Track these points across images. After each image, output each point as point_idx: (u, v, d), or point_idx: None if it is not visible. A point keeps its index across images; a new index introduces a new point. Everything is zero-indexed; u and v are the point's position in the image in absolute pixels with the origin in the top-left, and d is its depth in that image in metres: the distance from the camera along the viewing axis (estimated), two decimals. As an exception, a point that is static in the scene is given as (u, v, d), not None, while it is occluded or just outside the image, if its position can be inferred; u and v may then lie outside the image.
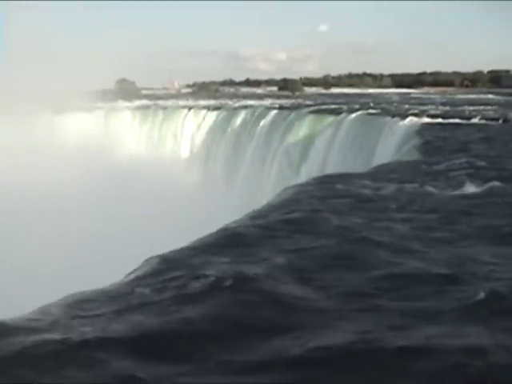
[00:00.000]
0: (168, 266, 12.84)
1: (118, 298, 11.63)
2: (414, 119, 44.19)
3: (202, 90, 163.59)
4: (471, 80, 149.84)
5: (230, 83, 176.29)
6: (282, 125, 62.45)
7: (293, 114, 65.60)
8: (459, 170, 23.91)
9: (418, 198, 18.91)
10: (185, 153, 71.65)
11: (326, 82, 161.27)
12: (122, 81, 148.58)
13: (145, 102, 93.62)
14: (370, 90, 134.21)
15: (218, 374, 8.63)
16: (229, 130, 67.63)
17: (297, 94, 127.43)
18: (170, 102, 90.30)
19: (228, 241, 15.17)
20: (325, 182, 22.28)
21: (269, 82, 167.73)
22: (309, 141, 55.46)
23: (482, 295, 10.34)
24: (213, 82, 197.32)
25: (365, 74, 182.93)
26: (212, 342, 9.83)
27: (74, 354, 9.00)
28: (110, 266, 17.11)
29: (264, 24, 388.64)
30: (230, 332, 10.12)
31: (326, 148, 49.35)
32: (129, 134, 77.93)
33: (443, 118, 45.50)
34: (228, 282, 11.46)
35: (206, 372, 8.62)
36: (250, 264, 13.29)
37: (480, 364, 8.29)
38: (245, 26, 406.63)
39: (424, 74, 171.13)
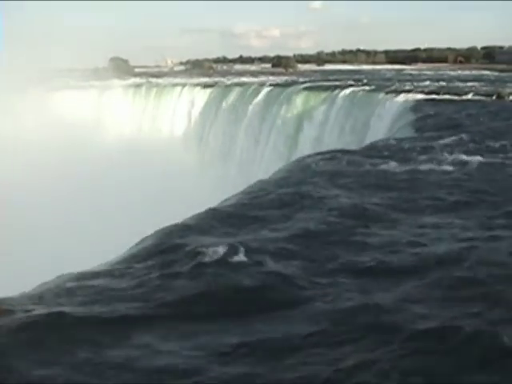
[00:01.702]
0: (160, 246, 12.98)
1: (110, 277, 11.74)
2: (408, 95, 44.25)
3: (196, 67, 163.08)
4: (465, 56, 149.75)
5: (224, 60, 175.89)
6: (275, 102, 62.34)
7: (286, 91, 65.44)
8: (448, 146, 24.07)
9: (405, 175, 19.09)
10: (179, 130, 71.45)
11: (320, 58, 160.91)
12: (116, 59, 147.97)
13: (138, 80, 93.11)
14: (364, 67, 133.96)
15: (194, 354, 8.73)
16: (223, 106, 67.44)
17: (290, 70, 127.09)
18: (161, 80, 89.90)
19: (220, 218, 15.27)
20: (319, 159, 22.34)
21: (262, 59, 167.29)
22: (303, 117, 55.42)
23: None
24: (206, 60, 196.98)
25: (358, 51, 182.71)
26: (192, 321, 9.95)
27: (62, 330, 9.14)
28: (106, 245, 17.24)
29: (257, 0, 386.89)
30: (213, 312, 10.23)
31: (320, 125, 49.35)
32: (123, 112, 77.60)
33: (437, 94, 45.54)
34: (215, 259, 11.62)
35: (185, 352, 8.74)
36: (241, 240, 13.41)
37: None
38: (238, 2, 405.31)
39: (418, 50, 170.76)
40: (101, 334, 9.64)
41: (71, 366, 8.31)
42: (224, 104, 68.52)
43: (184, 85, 79.72)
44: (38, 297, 10.51)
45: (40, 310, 9.34)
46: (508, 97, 42.15)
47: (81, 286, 11.75)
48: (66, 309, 9.51)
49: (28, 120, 63.46)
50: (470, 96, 43.63)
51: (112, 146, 57.29)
